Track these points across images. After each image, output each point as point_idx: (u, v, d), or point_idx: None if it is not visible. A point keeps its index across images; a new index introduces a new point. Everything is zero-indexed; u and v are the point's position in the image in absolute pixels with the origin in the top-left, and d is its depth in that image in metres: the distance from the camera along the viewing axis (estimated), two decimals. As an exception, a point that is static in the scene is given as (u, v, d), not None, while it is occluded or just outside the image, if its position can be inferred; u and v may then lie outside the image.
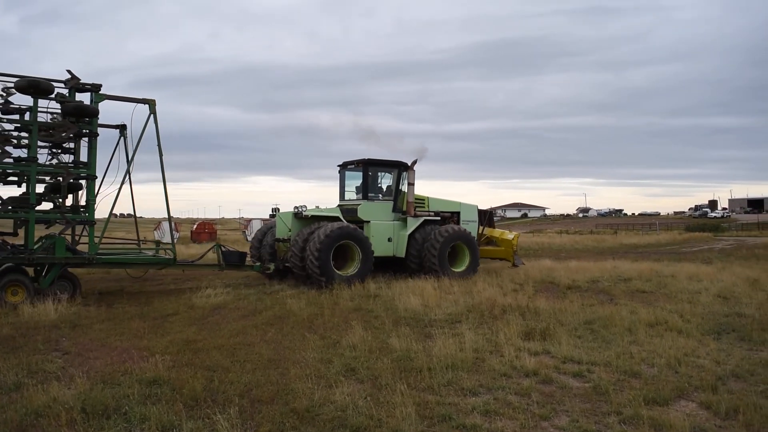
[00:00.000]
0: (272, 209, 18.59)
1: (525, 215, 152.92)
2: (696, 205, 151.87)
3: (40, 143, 13.91)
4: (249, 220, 58.12)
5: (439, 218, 18.72)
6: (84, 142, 14.71)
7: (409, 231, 17.82)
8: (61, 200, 14.53)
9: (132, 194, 14.77)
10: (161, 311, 12.42)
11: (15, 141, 13.88)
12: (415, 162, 18.40)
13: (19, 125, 13.90)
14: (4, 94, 13.82)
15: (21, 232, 14.67)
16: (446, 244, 17.62)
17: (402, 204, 18.32)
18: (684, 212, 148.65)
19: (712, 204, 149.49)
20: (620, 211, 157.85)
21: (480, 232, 20.75)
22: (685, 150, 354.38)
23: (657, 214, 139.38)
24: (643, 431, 5.59)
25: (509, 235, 21.54)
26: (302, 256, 15.94)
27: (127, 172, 14.91)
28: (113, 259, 15.29)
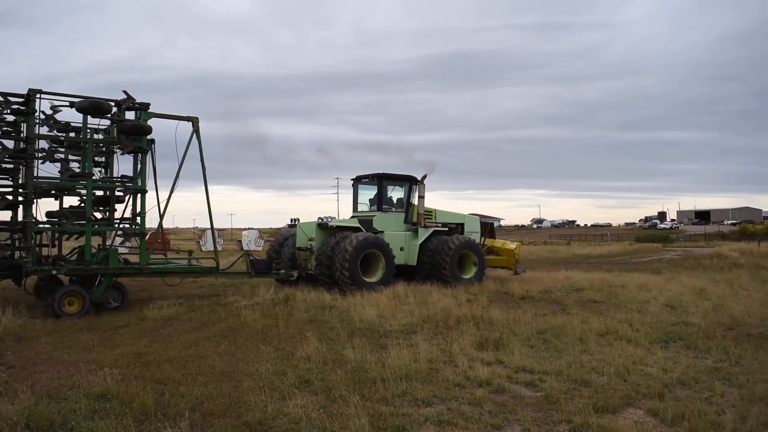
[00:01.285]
0: (291, 220, 19.74)
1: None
2: (646, 217, 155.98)
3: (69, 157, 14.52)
4: (203, 230, 57.48)
5: (447, 229, 19.87)
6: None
7: (420, 240, 19.01)
8: (109, 212, 15.28)
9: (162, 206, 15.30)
10: (111, 323, 12.14)
11: (61, 156, 14.45)
12: (425, 176, 19.55)
13: (60, 141, 14.47)
14: (51, 112, 14.20)
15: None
16: (457, 252, 18.75)
17: (413, 215, 19.46)
18: (635, 223, 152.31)
19: (662, 216, 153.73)
20: (573, 222, 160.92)
21: (482, 242, 21.67)
22: (635, 163, 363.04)
23: (609, 226, 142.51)
24: (592, 439, 5.68)
25: (511, 245, 22.59)
26: (329, 264, 16.94)
27: (174, 184, 15.35)
28: (162, 269, 15.85)
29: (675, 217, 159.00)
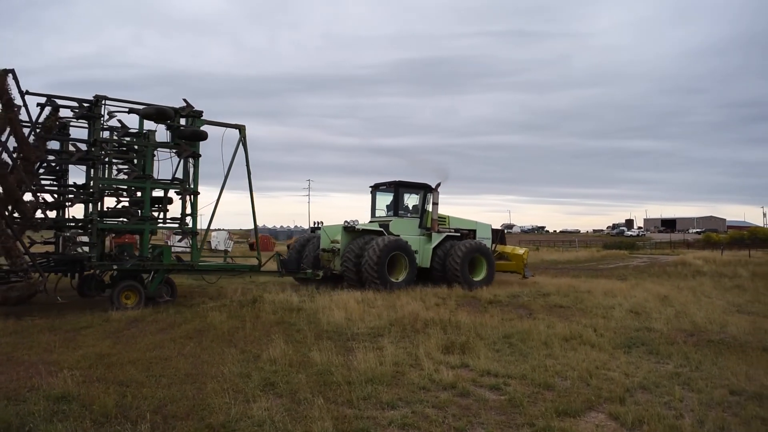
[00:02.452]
0: (314, 223, 20.98)
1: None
2: (613, 224, 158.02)
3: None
4: (171, 232, 56.76)
5: (459, 234, 20.92)
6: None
7: (434, 245, 20.00)
8: (163, 212, 15.96)
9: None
10: (74, 324, 11.93)
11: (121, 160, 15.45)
12: (438, 185, 20.59)
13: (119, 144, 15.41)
14: (107, 117, 14.95)
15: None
16: (467, 255, 19.65)
17: (427, 221, 20.53)
18: (602, 230, 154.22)
19: (629, 223, 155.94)
20: (543, 227, 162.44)
21: (493, 248, 22.58)
22: (603, 171, 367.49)
23: (577, 232, 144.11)
24: (553, 442, 5.75)
25: (520, 251, 23.76)
26: (357, 263, 18.10)
27: (222, 187, 16.33)
28: (210, 266, 17.13)
29: (642, 225, 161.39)
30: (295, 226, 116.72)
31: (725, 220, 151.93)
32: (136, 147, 15.51)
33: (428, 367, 8.48)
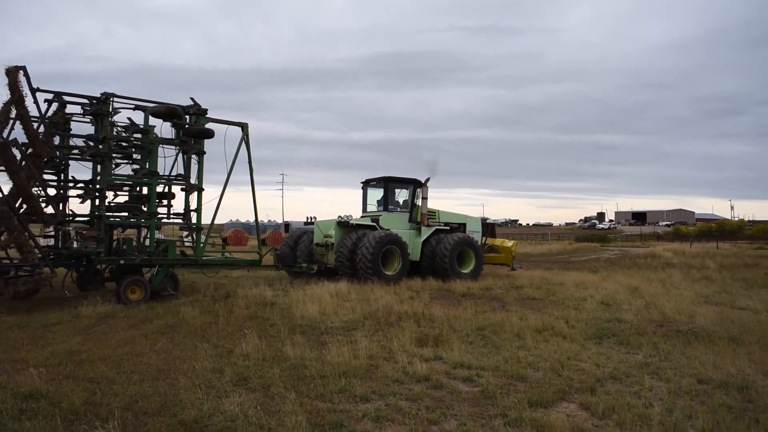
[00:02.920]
0: (308, 218, 21.27)
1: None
2: (585, 217, 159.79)
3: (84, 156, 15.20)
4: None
5: (448, 228, 21.28)
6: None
7: (423, 238, 20.43)
8: (168, 208, 16.40)
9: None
10: (43, 321, 11.77)
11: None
12: (428, 180, 20.81)
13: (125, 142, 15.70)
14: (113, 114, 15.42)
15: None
16: (455, 248, 20.04)
17: (417, 215, 20.83)
18: (575, 223, 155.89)
19: (600, 216, 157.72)
20: (516, 221, 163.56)
21: (484, 241, 23.09)
22: (575, 165, 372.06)
23: (550, 225, 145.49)
24: (525, 433, 5.81)
25: (508, 243, 24.07)
26: (351, 257, 18.37)
27: (225, 184, 16.67)
28: (214, 261, 17.61)
29: (613, 218, 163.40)
30: (269, 221, 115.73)
31: (694, 213, 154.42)
32: (142, 144, 15.86)
33: (402, 360, 8.51)
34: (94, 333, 10.69)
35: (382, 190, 21.39)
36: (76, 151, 15.59)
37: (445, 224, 21.51)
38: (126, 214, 15.73)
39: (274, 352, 9.05)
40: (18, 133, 14.17)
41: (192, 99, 16.03)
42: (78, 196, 15.60)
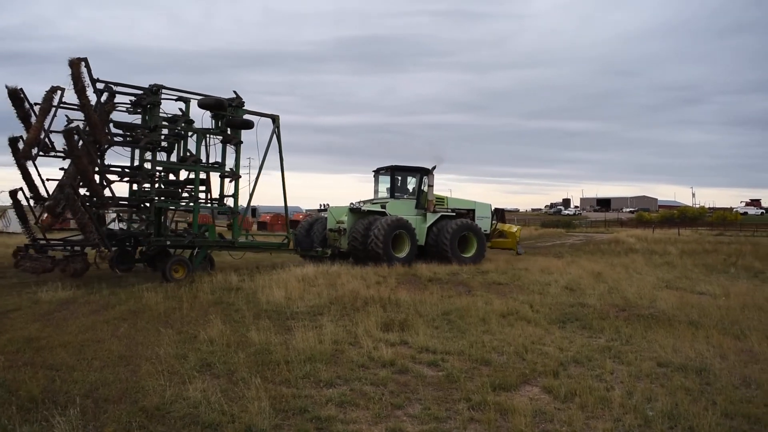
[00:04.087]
0: (321, 205, 22.43)
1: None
2: (551, 203, 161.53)
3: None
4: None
5: (454, 214, 22.23)
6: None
7: (428, 224, 21.37)
8: (208, 194, 17.36)
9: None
10: (1, 307, 11.48)
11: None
12: (434, 168, 21.80)
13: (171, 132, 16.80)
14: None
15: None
16: (456, 234, 21.07)
17: (424, 201, 21.69)
18: (540, 209, 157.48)
19: (566, 202, 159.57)
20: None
21: (494, 226, 24.49)
22: (541, 151, 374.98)
23: (516, 211, 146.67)
24: (489, 416, 5.85)
25: (513, 228, 25.64)
26: (364, 241, 19.47)
27: (259, 172, 18.14)
28: (248, 244, 19.13)
29: (578, 204, 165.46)
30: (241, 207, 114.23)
31: (657, 199, 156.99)
32: (187, 133, 16.98)
33: (367, 345, 8.51)
34: (54, 319, 10.47)
35: (391, 178, 22.50)
36: (119, 138, 16.34)
37: (453, 210, 22.48)
38: (171, 198, 16.86)
39: (239, 337, 8.97)
40: (61, 120, 15.05)
41: (234, 92, 17.17)
42: (133, 181, 16.63)
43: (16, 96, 14.55)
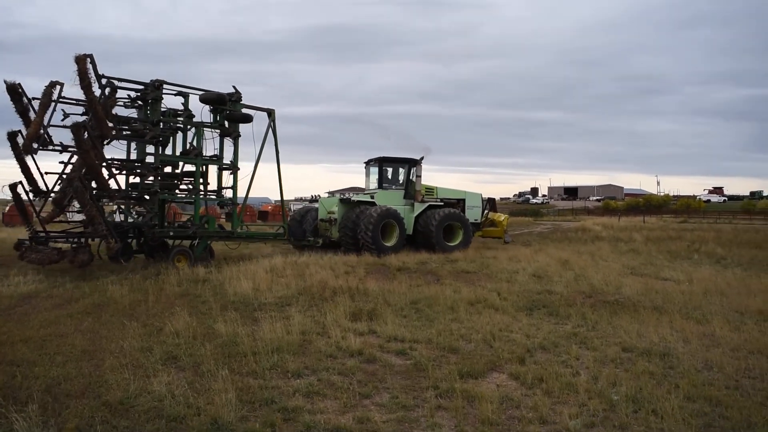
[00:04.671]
0: (313, 196, 23.73)
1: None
2: (520, 192, 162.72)
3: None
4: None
5: (442, 204, 22.66)
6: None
7: (415, 214, 21.83)
8: (205, 186, 17.84)
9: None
10: (-41, 302, 11.19)
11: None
12: (422, 158, 22.33)
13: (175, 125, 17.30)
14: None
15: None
16: (441, 223, 21.46)
17: (412, 192, 22.07)
18: (509, 198, 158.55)
19: (534, 191, 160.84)
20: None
21: (486, 215, 25.01)
22: (509, 140, 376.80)
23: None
24: (456, 404, 5.87)
25: (501, 218, 26.05)
26: (354, 230, 19.96)
27: (256, 164, 18.70)
28: (246, 234, 20.11)
29: (546, 193, 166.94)
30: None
31: (623, 188, 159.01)
32: (187, 127, 17.51)
33: (335, 335, 8.49)
34: (16, 314, 10.24)
35: (379, 169, 22.85)
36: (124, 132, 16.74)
37: (443, 200, 22.93)
38: (174, 190, 17.70)
39: (206, 329, 8.88)
40: (59, 115, 15.37)
41: (234, 87, 17.68)
42: (137, 174, 17.05)
43: (15, 91, 14.76)
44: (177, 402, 5.75)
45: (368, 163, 23.59)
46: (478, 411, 5.71)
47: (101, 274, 14.70)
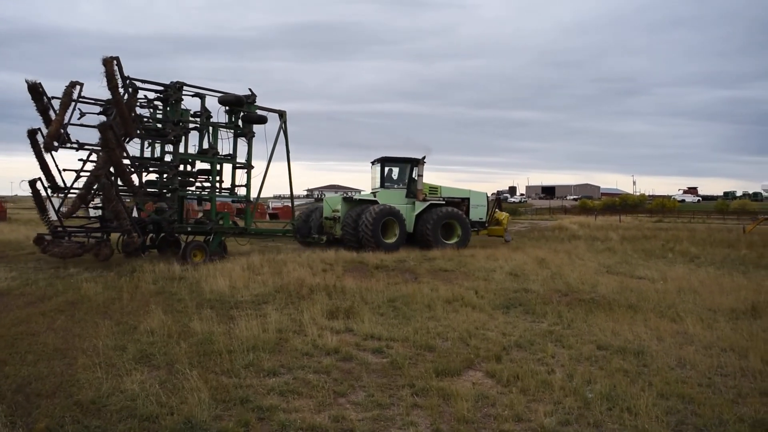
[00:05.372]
0: (317, 195, 25.06)
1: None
2: (498, 191, 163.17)
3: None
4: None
5: (443, 202, 23.10)
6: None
7: (416, 212, 22.34)
8: (220, 183, 18.59)
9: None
10: (-72, 300, 10.98)
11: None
12: (423, 158, 22.73)
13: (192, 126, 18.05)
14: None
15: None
16: (438, 222, 21.97)
17: (414, 191, 22.59)
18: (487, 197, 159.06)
19: (512, 190, 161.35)
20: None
21: (492, 213, 25.26)
22: (488, 140, 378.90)
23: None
24: (432, 402, 5.87)
25: (502, 216, 26.07)
26: (355, 228, 20.56)
27: (268, 164, 19.52)
28: (258, 230, 20.92)
29: (524, 192, 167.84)
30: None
31: (599, 187, 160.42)
32: (204, 127, 18.21)
33: (312, 333, 8.45)
34: (-14, 312, 10.06)
35: (388, 168, 23.49)
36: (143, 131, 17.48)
37: (446, 199, 23.38)
38: (191, 188, 18.44)
39: (181, 327, 8.79)
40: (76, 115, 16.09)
41: (250, 89, 18.51)
42: (158, 171, 17.78)
43: (36, 90, 15.33)
44: (150, 401, 5.68)
45: (373, 163, 24.11)
46: (453, 409, 5.72)
47: (76, 272, 14.52)
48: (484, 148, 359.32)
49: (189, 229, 17.96)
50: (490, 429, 5.39)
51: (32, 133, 15.78)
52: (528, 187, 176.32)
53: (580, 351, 7.89)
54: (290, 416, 5.50)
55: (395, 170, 23.54)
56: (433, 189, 23.49)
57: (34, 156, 15.92)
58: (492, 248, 21.58)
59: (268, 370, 6.83)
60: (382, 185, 22.95)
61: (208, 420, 5.32)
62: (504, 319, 9.91)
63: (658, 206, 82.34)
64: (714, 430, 5.35)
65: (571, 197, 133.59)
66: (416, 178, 22.57)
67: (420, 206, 22.35)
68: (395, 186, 23.12)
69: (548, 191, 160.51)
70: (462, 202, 23.88)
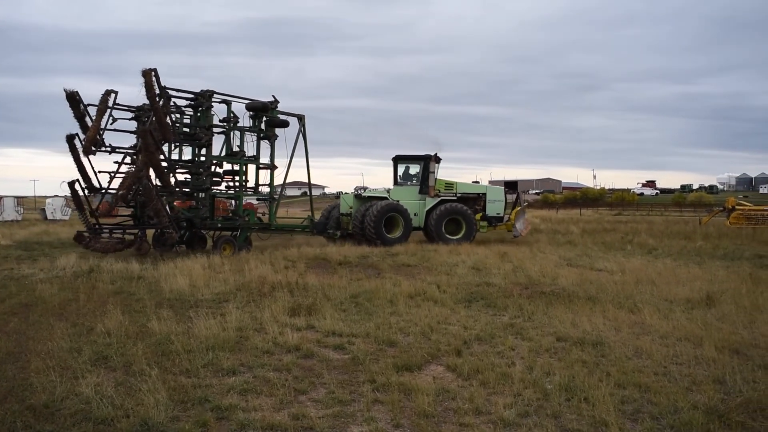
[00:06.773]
0: (337, 192, 25.76)
1: (305, 193, 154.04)
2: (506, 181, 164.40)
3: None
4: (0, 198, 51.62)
5: (455, 198, 23.93)
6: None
7: (427, 208, 23.21)
8: (246, 183, 20.04)
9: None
10: None
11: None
12: (436, 155, 23.43)
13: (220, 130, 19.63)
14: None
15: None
16: (442, 217, 22.81)
17: (426, 187, 23.35)
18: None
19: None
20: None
21: (512, 207, 25.66)
22: (449, 135, 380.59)
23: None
24: (393, 397, 5.86)
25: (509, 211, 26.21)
26: (362, 224, 21.42)
27: (289, 164, 21.15)
28: (282, 225, 21.97)
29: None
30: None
31: (561, 181, 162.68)
32: (230, 131, 19.53)
33: (273, 331, 8.37)
34: (-65, 315, 9.74)
35: (404, 165, 24.44)
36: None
37: (462, 195, 24.18)
38: (222, 187, 19.77)
39: (139, 328, 8.63)
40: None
41: (273, 96, 19.90)
42: (190, 172, 19.01)
43: (73, 98, 16.67)
44: (105, 404, 5.56)
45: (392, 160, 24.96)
46: (414, 404, 5.72)
47: (30, 273, 14.18)
48: (447, 144, 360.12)
49: (219, 225, 19.22)
50: (450, 423, 5.41)
51: (70, 138, 17.21)
52: (491, 182, 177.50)
53: (539, 343, 7.97)
54: (249, 415, 5.44)
55: (411, 168, 24.36)
56: (449, 185, 24.33)
57: (72, 159, 17.37)
58: (455, 243, 21.69)
59: (228, 369, 6.75)
60: (395, 182, 24.12)
61: (165, 421, 5.23)
62: (466, 313, 9.96)
63: (618, 200, 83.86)
64: (669, 417, 5.45)
65: (534, 191, 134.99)
66: (429, 174, 23.29)
67: (431, 202, 23.21)
68: (408, 183, 24.01)
69: (511, 186, 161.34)
70: (479, 198, 24.44)
